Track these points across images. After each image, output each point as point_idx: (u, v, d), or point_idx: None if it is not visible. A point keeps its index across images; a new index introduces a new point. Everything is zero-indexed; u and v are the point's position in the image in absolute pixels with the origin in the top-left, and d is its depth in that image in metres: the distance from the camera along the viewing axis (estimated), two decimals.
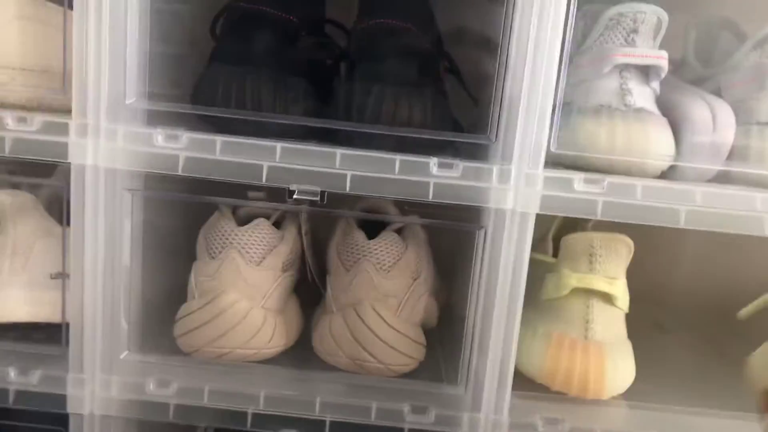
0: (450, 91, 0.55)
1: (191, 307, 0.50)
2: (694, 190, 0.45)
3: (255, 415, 0.47)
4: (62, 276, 0.48)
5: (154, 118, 0.47)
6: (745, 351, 0.55)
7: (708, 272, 0.74)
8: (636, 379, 0.51)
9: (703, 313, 0.70)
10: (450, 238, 0.58)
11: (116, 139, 0.45)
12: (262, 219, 0.51)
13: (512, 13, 0.43)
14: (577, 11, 0.53)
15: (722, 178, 0.48)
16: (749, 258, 0.68)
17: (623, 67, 0.49)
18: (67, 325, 0.47)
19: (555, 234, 0.57)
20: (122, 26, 0.44)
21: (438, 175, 0.44)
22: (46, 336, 0.49)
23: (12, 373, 0.47)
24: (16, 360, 0.47)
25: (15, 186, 0.54)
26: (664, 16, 0.50)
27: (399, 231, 0.53)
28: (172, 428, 0.50)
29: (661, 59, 0.49)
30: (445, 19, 0.60)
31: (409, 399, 0.47)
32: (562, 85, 0.44)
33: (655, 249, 0.67)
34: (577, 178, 0.44)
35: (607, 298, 0.51)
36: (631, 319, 0.53)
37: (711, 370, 0.61)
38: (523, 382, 0.50)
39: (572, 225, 0.56)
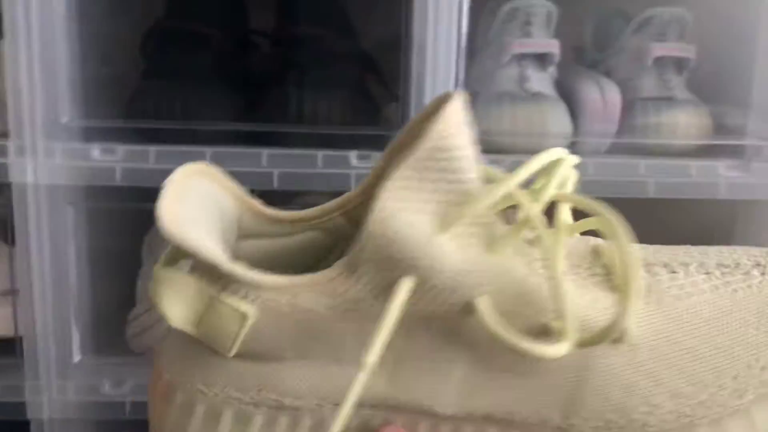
0: (376, 92, 0.60)
1: (140, 310, 0.52)
2: (587, 162, 0.50)
3: None
4: (12, 293, 0.51)
5: (92, 135, 0.50)
6: None
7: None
8: None
9: None
10: None
11: (54, 157, 0.47)
12: None
13: (411, 12, 0.48)
14: (483, 8, 0.58)
15: (613, 150, 0.54)
16: (663, 227, 0.74)
17: (521, 57, 0.54)
18: (20, 337, 0.50)
19: None
20: (52, 49, 0.47)
21: (358, 167, 0.48)
22: (1, 350, 0.51)
23: None
24: None
25: None
26: (553, 9, 0.55)
27: None
28: (131, 426, 0.52)
29: (552, 47, 0.54)
30: (368, 23, 0.65)
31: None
32: (461, 76, 0.49)
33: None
34: (483, 161, 0.49)
35: None
36: None
37: None
38: None
39: None
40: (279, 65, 0.57)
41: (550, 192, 0.22)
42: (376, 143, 0.53)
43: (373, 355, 0.20)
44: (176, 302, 0.21)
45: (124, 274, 0.55)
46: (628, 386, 0.21)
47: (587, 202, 0.21)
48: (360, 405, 0.21)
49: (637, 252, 0.24)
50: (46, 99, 0.47)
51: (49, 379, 0.49)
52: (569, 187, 0.23)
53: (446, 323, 0.21)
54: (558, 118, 0.53)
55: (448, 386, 0.21)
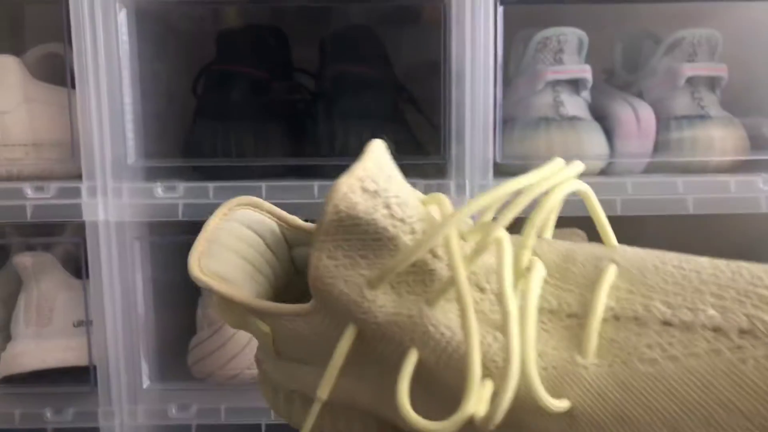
0: (412, 119, 0.63)
1: (201, 338, 0.56)
2: (625, 181, 0.52)
3: (268, 426, 0.53)
4: (86, 323, 0.54)
5: (153, 173, 0.54)
6: None
7: None
8: None
9: None
10: None
11: (122, 196, 0.51)
12: None
13: (449, 43, 0.50)
14: (514, 37, 0.61)
15: (651, 169, 0.55)
16: (707, 243, 0.74)
17: (554, 83, 0.56)
18: (94, 366, 0.53)
19: None
20: (119, 99, 0.51)
21: None
22: (74, 378, 0.55)
23: (48, 414, 0.52)
24: (50, 402, 0.53)
25: (31, 247, 0.60)
26: (584, 36, 0.57)
27: None
28: None
29: (585, 72, 0.56)
30: (403, 54, 0.68)
31: None
32: (499, 103, 0.52)
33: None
34: None
35: None
36: None
37: None
38: None
39: None
40: (323, 101, 0.60)
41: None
42: (418, 171, 0.55)
43: (326, 388, 0.22)
44: (227, 316, 0.27)
45: (186, 303, 0.59)
46: None
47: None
48: (370, 414, 0.24)
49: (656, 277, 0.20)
50: (113, 143, 0.51)
51: (120, 404, 0.52)
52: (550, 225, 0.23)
53: (401, 365, 0.21)
54: (594, 140, 0.54)
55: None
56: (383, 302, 0.21)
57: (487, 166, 0.51)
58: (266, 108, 0.59)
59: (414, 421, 0.19)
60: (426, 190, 0.51)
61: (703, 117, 0.55)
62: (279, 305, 0.24)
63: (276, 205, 0.52)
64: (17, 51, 0.56)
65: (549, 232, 0.24)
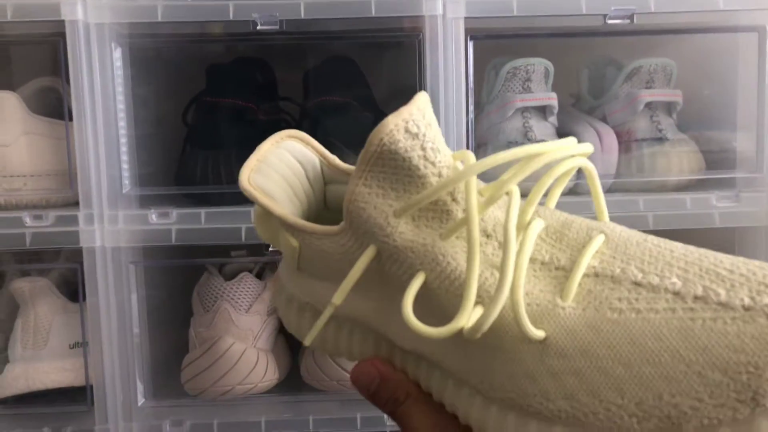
0: None
1: (193, 356, 0.58)
2: (589, 200, 0.55)
3: None
4: (82, 345, 0.57)
5: (147, 200, 0.57)
6: None
7: None
8: None
9: None
10: None
11: (118, 223, 0.54)
12: (246, 273, 0.61)
13: (424, 74, 0.54)
14: (486, 67, 0.65)
15: (614, 188, 0.59)
16: None
17: (523, 109, 0.61)
18: (91, 386, 0.55)
19: None
20: (114, 131, 0.54)
21: None
22: (71, 397, 0.57)
23: None
24: (48, 421, 0.55)
25: (26, 273, 0.62)
26: (550, 66, 0.62)
27: None
28: None
29: (551, 100, 0.60)
30: (382, 81, 0.72)
31: None
32: (472, 128, 0.55)
33: None
34: None
35: None
36: None
37: None
38: None
39: None
40: (308, 129, 0.63)
41: (510, 185, 0.25)
42: None
43: (341, 296, 0.26)
44: (261, 229, 0.31)
45: (179, 324, 0.61)
46: (531, 376, 0.22)
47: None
48: (370, 328, 0.28)
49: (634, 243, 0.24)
50: (108, 173, 0.54)
51: (116, 422, 0.55)
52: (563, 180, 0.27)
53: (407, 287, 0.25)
54: None
55: (407, 331, 0.24)
56: (403, 230, 0.25)
57: None
58: (253, 136, 0.62)
59: (415, 325, 0.23)
60: None
61: (661, 139, 0.60)
62: (311, 224, 0.28)
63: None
64: (10, 86, 0.59)
65: (553, 202, 0.28)
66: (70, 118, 0.54)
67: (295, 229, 0.28)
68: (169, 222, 0.54)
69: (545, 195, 0.27)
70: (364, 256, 0.26)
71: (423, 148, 0.25)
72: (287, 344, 0.64)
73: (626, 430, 0.21)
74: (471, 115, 0.56)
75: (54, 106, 0.62)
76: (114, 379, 0.55)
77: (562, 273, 0.24)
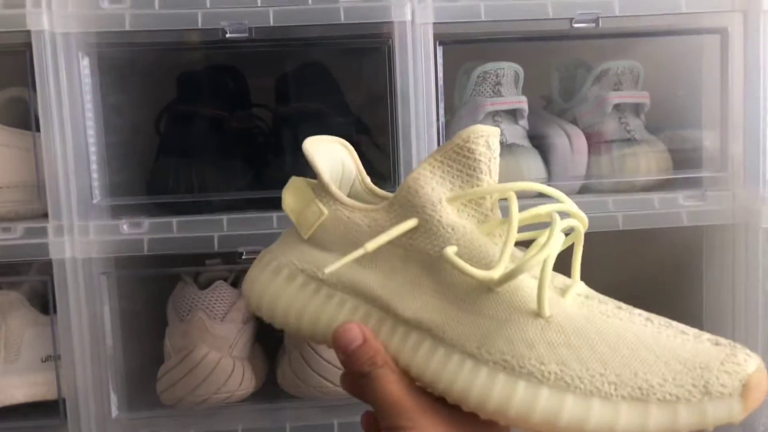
0: (366, 149, 0.67)
1: (169, 366, 0.57)
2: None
3: None
4: (54, 358, 0.56)
5: (118, 210, 0.56)
6: None
7: (609, 271, 0.85)
8: None
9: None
10: None
11: (88, 234, 0.53)
12: (220, 281, 0.60)
13: (395, 78, 0.54)
14: (457, 70, 0.66)
15: (584, 189, 0.60)
16: (641, 255, 0.79)
17: (494, 113, 0.61)
18: (63, 399, 0.55)
19: None
20: (83, 140, 0.53)
21: None
22: (44, 411, 0.56)
23: None
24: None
25: None
26: (520, 70, 0.62)
27: None
28: None
29: (521, 103, 0.61)
30: (355, 86, 0.72)
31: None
32: (443, 131, 0.56)
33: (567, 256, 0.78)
34: None
35: None
36: None
37: None
38: None
39: None
40: (281, 136, 0.63)
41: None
42: None
43: (374, 245, 0.31)
44: (291, 196, 0.35)
45: (153, 334, 0.61)
46: (530, 343, 0.28)
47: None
48: (365, 299, 0.32)
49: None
50: (78, 183, 0.53)
51: None
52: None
53: (429, 260, 0.31)
54: (532, 165, 0.59)
55: (414, 301, 0.31)
56: (450, 212, 0.32)
57: None
58: (226, 144, 0.62)
59: (460, 265, 0.29)
60: None
61: (629, 140, 0.61)
62: (356, 202, 0.34)
63: (237, 237, 0.55)
64: None
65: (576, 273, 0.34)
66: (38, 129, 0.54)
67: (334, 198, 0.34)
68: (141, 232, 0.54)
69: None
70: (405, 223, 0.31)
71: (490, 160, 0.32)
72: (264, 352, 0.64)
73: (604, 394, 0.26)
74: (442, 119, 0.56)
75: (23, 117, 0.61)
76: (87, 391, 0.54)
77: (561, 288, 0.31)
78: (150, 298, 0.64)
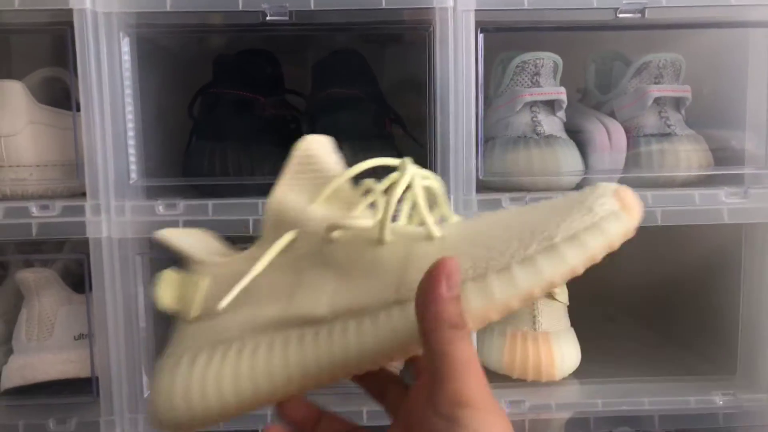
0: (398, 137, 0.66)
1: None
2: None
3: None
4: (89, 336, 0.56)
5: (154, 191, 0.57)
6: (679, 331, 0.64)
7: (646, 267, 0.84)
8: (586, 361, 0.60)
9: (645, 302, 0.80)
10: None
11: (124, 214, 0.54)
12: None
13: (434, 67, 0.54)
14: (493, 60, 0.65)
15: (622, 183, 0.59)
16: (678, 253, 0.78)
17: (532, 104, 0.60)
18: (96, 377, 0.55)
19: None
20: (121, 121, 0.54)
21: None
22: (76, 389, 0.57)
23: (51, 424, 0.54)
24: (53, 412, 0.55)
25: (30, 264, 0.62)
26: (559, 60, 0.61)
27: None
28: None
29: (560, 94, 0.60)
30: (389, 75, 0.71)
31: None
32: (481, 122, 0.55)
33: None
34: (505, 198, 0.55)
35: (549, 295, 0.60)
36: (583, 314, 0.62)
37: (648, 348, 0.71)
38: (488, 376, 0.59)
39: None
40: (314, 121, 0.63)
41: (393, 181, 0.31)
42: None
43: (262, 264, 0.31)
44: (166, 290, 0.33)
45: None
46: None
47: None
48: (275, 328, 0.30)
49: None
50: (116, 163, 0.54)
51: (122, 413, 0.54)
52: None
53: (320, 257, 0.30)
54: (569, 157, 0.58)
55: (324, 296, 0.30)
56: (319, 210, 0.32)
57: (470, 181, 0.54)
58: (260, 128, 0.62)
59: (350, 223, 0.30)
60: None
61: (669, 135, 0.60)
62: (231, 254, 0.34)
63: None
64: (15, 75, 0.59)
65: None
66: (77, 108, 0.54)
67: (208, 263, 0.33)
68: (177, 213, 0.54)
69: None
70: (284, 238, 0.31)
71: (330, 157, 0.34)
72: None
73: (520, 259, 0.27)
74: (480, 109, 0.55)
75: (59, 96, 0.62)
76: (120, 370, 0.54)
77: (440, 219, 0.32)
78: None
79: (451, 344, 0.26)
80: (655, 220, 0.55)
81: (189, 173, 0.58)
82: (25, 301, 0.59)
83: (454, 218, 0.32)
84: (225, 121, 0.61)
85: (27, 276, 0.59)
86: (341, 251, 0.30)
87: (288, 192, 0.32)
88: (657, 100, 0.61)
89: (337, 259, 0.30)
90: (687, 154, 0.59)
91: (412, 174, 0.30)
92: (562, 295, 0.61)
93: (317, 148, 0.33)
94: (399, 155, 0.66)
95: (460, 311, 0.27)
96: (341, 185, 0.32)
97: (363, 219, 0.30)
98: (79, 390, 0.57)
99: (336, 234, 0.30)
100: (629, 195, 0.29)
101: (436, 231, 0.29)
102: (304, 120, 0.66)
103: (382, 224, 0.29)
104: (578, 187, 0.60)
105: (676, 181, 0.59)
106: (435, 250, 0.29)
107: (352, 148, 0.58)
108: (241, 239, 0.59)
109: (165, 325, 0.61)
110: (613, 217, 0.27)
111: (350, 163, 0.62)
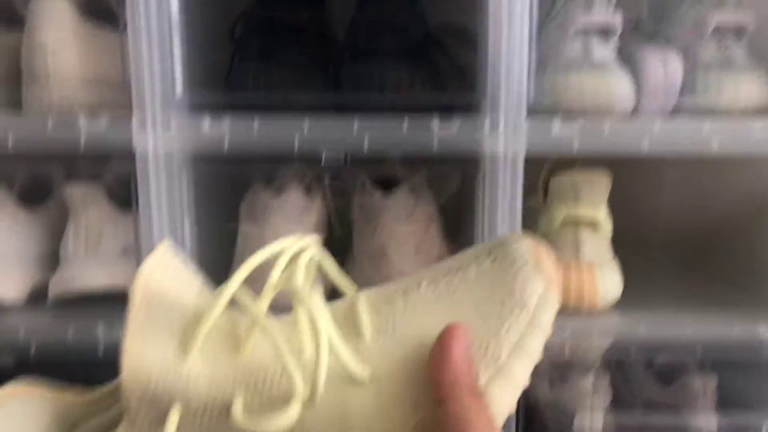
0: (442, 63, 0.65)
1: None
2: (652, 123, 0.54)
3: None
4: (135, 249, 0.58)
5: (199, 109, 0.56)
6: (723, 268, 0.63)
7: (686, 200, 0.82)
8: (627, 294, 0.60)
9: (684, 234, 0.79)
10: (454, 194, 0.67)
11: (170, 128, 0.54)
12: (293, 185, 0.61)
13: None
14: None
15: (677, 111, 0.57)
16: (720, 184, 0.76)
17: (585, 30, 0.58)
18: None
19: (543, 185, 0.67)
20: (167, 38, 0.53)
21: (439, 131, 0.53)
22: (122, 301, 0.58)
23: (100, 329, 0.56)
24: (102, 318, 0.56)
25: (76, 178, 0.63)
26: None
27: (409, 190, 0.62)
28: None
29: (614, 21, 0.58)
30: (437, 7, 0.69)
31: None
32: (534, 44, 0.53)
33: (640, 184, 0.75)
34: (556, 122, 0.53)
35: (593, 226, 0.60)
36: (622, 246, 0.62)
37: (691, 283, 0.70)
38: None
39: (559, 172, 0.65)
40: (357, 44, 0.62)
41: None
42: (455, 114, 0.57)
43: None
44: None
45: (224, 234, 0.62)
46: (381, 414, 0.23)
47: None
48: None
49: (378, 294, 0.28)
50: (162, 78, 0.53)
51: None
52: (312, 274, 0.28)
53: None
54: (622, 85, 0.56)
55: None
56: (199, 366, 0.23)
57: (520, 105, 0.53)
58: (303, 51, 0.61)
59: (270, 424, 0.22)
60: (460, 127, 0.53)
61: (728, 64, 0.57)
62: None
63: (318, 139, 0.54)
64: None
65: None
66: (124, 23, 0.53)
67: None
68: (222, 129, 0.54)
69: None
70: (170, 423, 0.23)
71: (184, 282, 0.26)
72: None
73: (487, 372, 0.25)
74: (534, 29, 0.54)
75: (103, 12, 0.61)
76: None
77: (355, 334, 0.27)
78: (227, 196, 0.65)
79: (471, 411, 0.23)
80: (709, 149, 0.53)
81: (233, 90, 0.58)
82: (71, 216, 0.61)
83: (351, 290, 0.29)
84: (268, 41, 0.60)
85: (74, 190, 0.60)
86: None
87: (143, 347, 0.23)
88: (717, 29, 0.58)
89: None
90: (747, 86, 0.56)
91: (300, 276, 0.25)
92: (606, 225, 0.61)
93: (161, 278, 0.25)
94: (439, 78, 0.65)
95: (476, 378, 0.25)
96: (205, 318, 0.24)
97: (283, 417, 0.22)
98: (125, 302, 0.58)
99: (237, 406, 0.23)
100: (543, 250, 0.27)
101: (361, 370, 0.24)
102: (347, 44, 0.65)
103: (313, 390, 0.23)
104: (630, 116, 0.58)
105: (734, 112, 0.57)
106: (374, 397, 0.24)
107: (396, 68, 0.58)
108: (285, 158, 0.59)
109: (208, 235, 0.62)
110: (542, 302, 0.26)
111: (392, 86, 0.61)
